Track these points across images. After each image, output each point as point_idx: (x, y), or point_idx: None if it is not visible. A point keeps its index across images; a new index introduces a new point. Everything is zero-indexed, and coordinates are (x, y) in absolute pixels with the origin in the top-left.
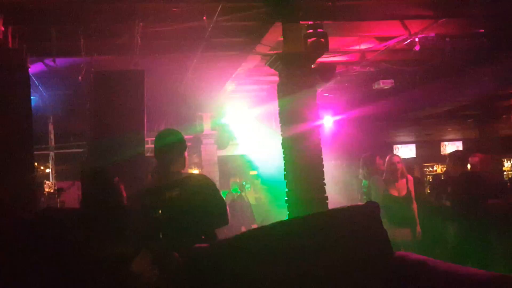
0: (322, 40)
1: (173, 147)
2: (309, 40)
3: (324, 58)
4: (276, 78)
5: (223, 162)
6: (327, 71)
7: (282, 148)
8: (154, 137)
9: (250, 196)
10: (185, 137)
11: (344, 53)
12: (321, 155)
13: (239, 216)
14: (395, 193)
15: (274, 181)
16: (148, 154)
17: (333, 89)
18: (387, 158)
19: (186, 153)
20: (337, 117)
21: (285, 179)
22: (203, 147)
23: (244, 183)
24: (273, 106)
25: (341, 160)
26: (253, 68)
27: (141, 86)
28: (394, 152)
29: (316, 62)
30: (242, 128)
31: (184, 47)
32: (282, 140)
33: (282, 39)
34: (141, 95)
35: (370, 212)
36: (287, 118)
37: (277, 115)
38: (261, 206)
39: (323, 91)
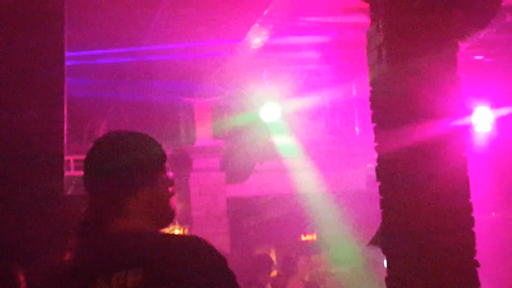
0: None
1: (133, 172)
2: None
3: None
4: (361, 21)
5: (240, 212)
6: (483, 3)
7: (378, 177)
8: (84, 155)
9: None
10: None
11: None
12: (469, 194)
13: None
14: None
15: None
16: (70, 192)
17: (495, 44)
18: None
19: (171, 184)
20: (505, 110)
21: (384, 252)
22: (193, 177)
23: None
24: (354, 87)
25: None
26: None
27: (56, 36)
28: None
29: None
30: (283, 132)
31: None
32: (378, 159)
33: None
34: (58, 55)
35: None
36: (390, 110)
37: (363, 106)
38: None
39: (473, 49)
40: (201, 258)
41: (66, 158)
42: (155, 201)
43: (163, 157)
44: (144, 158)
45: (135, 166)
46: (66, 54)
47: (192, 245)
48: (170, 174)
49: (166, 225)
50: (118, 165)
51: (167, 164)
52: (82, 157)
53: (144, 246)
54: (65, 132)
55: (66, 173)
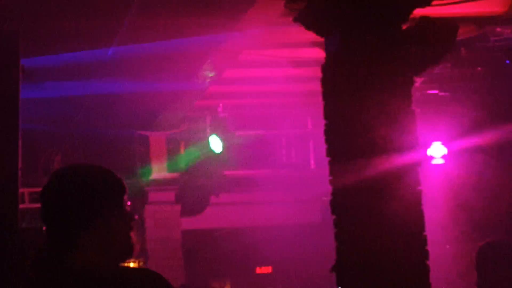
0: None
1: (88, 205)
2: None
3: (431, 9)
4: (316, 55)
5: (196, 245)
6: (438, 38)
7: (333, 211)
8: (39, 187)
9: None
10: None
11: None
12: (423, 227)
13: None
14: None
15: None
16: (25, 225)
17: (450, 79)
18: None
19: (130, 219)
20: (459, 144)
21: (338, 284)
22: (148, 210)
23: None
24: (311, 120)
25: (468, 242)
26: (263, 31)
27: (11, 69)
28: None
29: (411, 15)
30: (238, 165)
31: None
32: (333, 193)
33: None
34: (13, 89)
35: None
36: (345, 145)
37: (318, 139)
38: None
39: (428, 83)
40: None
41: (20, 190)
42: (112, 235)
43: (121, 190)
44: (100, 192)
45: (90, 199)
46: (21, 86)
47: (145, 279)
48: (128, 207)
49: (124, 259)
50: (73, 198)
51: (125, 198)
52: (37, 189)
53: (96, 281)
54: (20, 165)
55: (21, 206)
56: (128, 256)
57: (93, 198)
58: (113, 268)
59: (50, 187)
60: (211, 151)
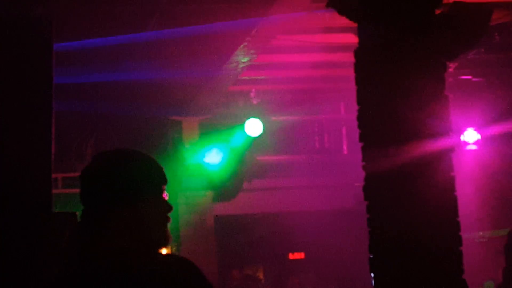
0: None
1: (130, 191)
2: None
3: None
4: (350, 41)
5: (228, 231)
6: (472, 23)
7: (366, 196)
8: (72, 172)
9: None
10: None
11: None
12: (457, 213)
13: None
14: None
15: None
16: (57, 210)
17: (483, 64)
18: None
19: (168, 209)
20: (492, 129)
21: (371, 270)
22: (181, 195)
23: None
24: (344, 106)
25: (500, 227)
26: (296, 16)
27: (44, 54)
28: None
29: (444, 0)
30: (270, 150)
31: None
32: (366, 178)
33: None
34: (46, 74)
35: None
36: (378, 130)
37: (351, 125)
38: None
39: (461, 68)
40: (185, 281)
41: (54, 175)
42: (148, 223)
43: (161, 180)
44: (140, 179)
45: (129, 184)
46: (54, 71)
47: (176, 267)
48: (166, 197)
49: (158, 248)
50: (112, 182)
51: (164, 188)
52: (70, 175)
53: (127, 267)
54: (53, 150)
55: (54, 191)
56: (162, 247)
57: (132, 184)
58: (144, 256)
59: (91, 169)
60: (245, 136)
